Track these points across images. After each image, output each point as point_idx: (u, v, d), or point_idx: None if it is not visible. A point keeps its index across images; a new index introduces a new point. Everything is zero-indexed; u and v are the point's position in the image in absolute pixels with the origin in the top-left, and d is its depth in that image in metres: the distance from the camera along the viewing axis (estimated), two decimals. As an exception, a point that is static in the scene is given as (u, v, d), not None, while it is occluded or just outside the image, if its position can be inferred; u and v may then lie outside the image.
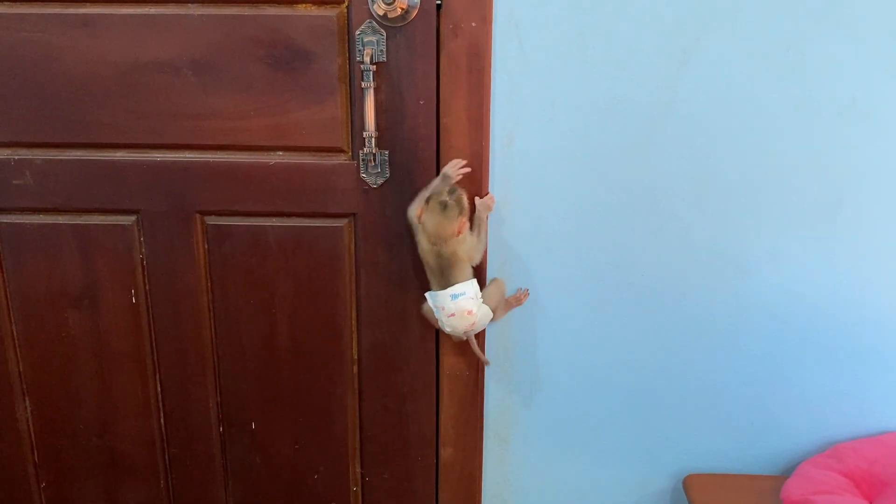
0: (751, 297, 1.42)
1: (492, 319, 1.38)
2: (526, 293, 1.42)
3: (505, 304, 1.41)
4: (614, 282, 1.42)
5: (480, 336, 1.44)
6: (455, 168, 1.30)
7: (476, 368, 1.47)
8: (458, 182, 1.30)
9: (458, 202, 1.27)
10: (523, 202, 1.37)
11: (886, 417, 1.48)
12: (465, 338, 1.37)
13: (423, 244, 1.31)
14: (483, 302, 1.34)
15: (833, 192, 1.34)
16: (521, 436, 1.55)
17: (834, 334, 1.44)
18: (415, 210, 1.32)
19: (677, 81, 1.29)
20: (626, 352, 1.47)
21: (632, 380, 1.49)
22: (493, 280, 1.40)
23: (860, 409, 1.48)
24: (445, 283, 1.31)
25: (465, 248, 1.31)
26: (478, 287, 1.34)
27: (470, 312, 1.31)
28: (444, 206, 1.26)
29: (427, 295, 1.35)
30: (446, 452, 1.55)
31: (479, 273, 1.39)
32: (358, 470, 1.59)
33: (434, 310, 1.34)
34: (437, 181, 1.31)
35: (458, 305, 1.30)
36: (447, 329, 1.34)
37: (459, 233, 1.28)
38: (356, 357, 1.50)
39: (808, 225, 1.36)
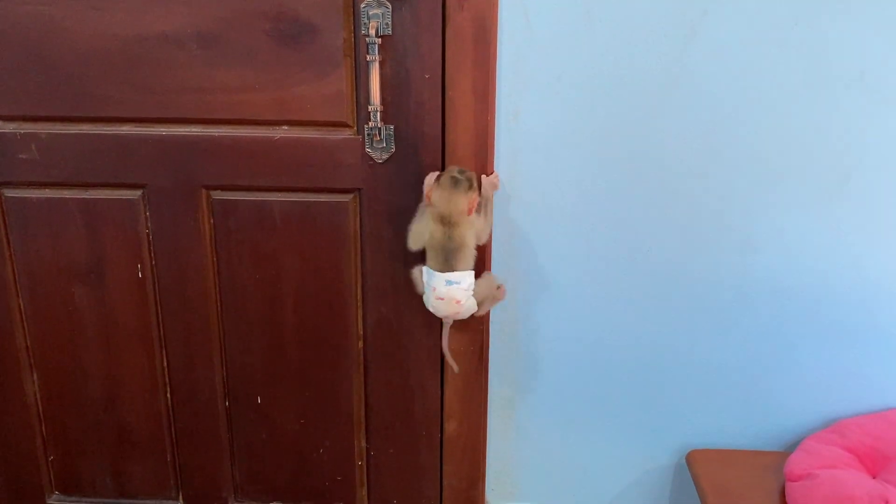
0: (756, 273, 1.42)
1: (478, 312, 1.38)
2: (503, 290, 1.42)
3: (491, 299, 1.41)
4: (619, 257, 1.42)
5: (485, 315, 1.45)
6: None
7: (480, 344, 1.47)
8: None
9: (469, 179, 1.27)
10: (529, 177, 1.37)
11: (891, 394, 1.48)
12: (445, 321, 1.39)
13: (431, 227, 1.29)
14: (473, 294, 1.34)
15: (840, 167, 1.33)
16: (525, 410, 1.56)
17: (839, 311, 1.44)
18: (419, 226, 1.32)
19: (684, 56, 1.28)
20: (630, 327, 1.47)
21: (636, 355, 1.49)
22: (486, 274, 1.39)
23: (865, 385, 1.49)
24: (447, 267, 1.30)
25: (474, 231, 1.31)
26: (473, 280, 1.33)
27: (458, 302, 1.32)
28: (455, 182, 1.26)
29: (424, 269, 1.34)
30: (451, 427, 1.56)
31: (484, 249, 1.39)
32: (363, 444, 1.60)
33: (425, 286, 1.34)
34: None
35: (449, 292, 1.31)
36: (429, 307, 1.35)
37: (470, 211, 1.27)
38: (361, 332, 1.50)
39: (814, 201, 1.36)
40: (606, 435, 1.57)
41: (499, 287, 1.41)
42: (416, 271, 1.38)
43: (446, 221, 1.28)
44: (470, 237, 1.30)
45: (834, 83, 1.28)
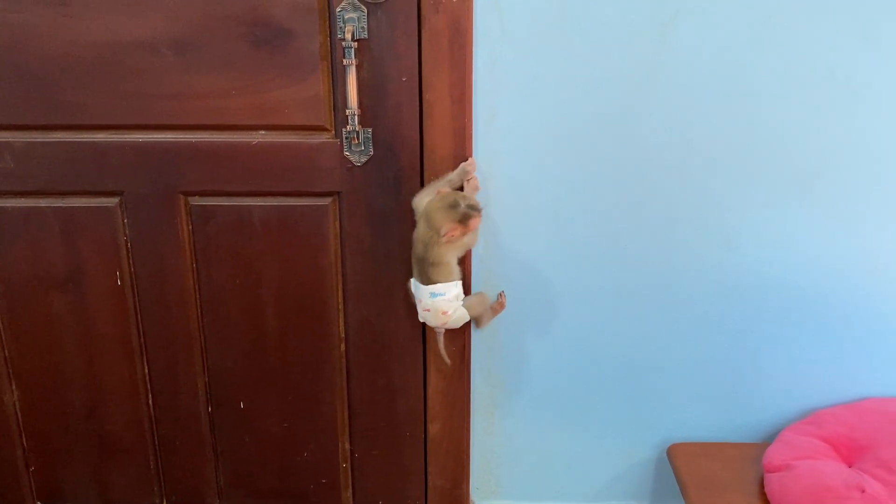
0: (732, 269, 1.44)
1: (479, 326, 1.42)
2: (503, 296, 1.43)
3: (490, 312, 1.43)
4: (599, 255, 1.43)
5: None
6: (473, 165, 1.32)
7: (462, 344, 1.48)
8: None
9: (466, 213, 1.25)
10: (507, 178, 1.38)
11: (865, 384, 1.51)
12: (438, 330, 1.40)
13: (419, 230, 1.30)
14: (463, 304, 1.35)
15: (812, 163, 1.35)
16: (507, 409, 1.57)
17: (815, 304, 1.46)
18: (423, 197, 1.32)
19: (659, 54, 1.29)
20: (610, 324, 1.48)
21: (617, 352, 1.51)
22: (478, 293, 1.41)
23: (839, 376, 1.51)
24: (424, 280, 1.31)
25: (455, 250, 1.31)
26: (461, 289, 1.34)
27: (445, 313, 1.33)
28: (453, 205, 1.26)
29: (412, 281, 1.36)
30: (434, 427, 1.56)
31: (466, 251, 1.39)
32: (347, 447, 1.60)
33: (415, 298, 1.36)
34: (453, 174, 1.32)
35: (434, 304, 1.32)
36: (420, 318, 1.36)
37: (448, 235, 1.26)
38: (343, 335, 1.50)
39: (788, 197, 1.38)
40: (588, 431, 1.58)
41: (500, 294, 1.43)
42: (410, 284, 1.38)
43: (427, 231, 1.28)
44: (449, 255, 1.31)
45: (805, 80, 1.30)
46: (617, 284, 1.45)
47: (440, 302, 1.32)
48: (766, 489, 1.36)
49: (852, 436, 1.40)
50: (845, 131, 1.33)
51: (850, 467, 1.36)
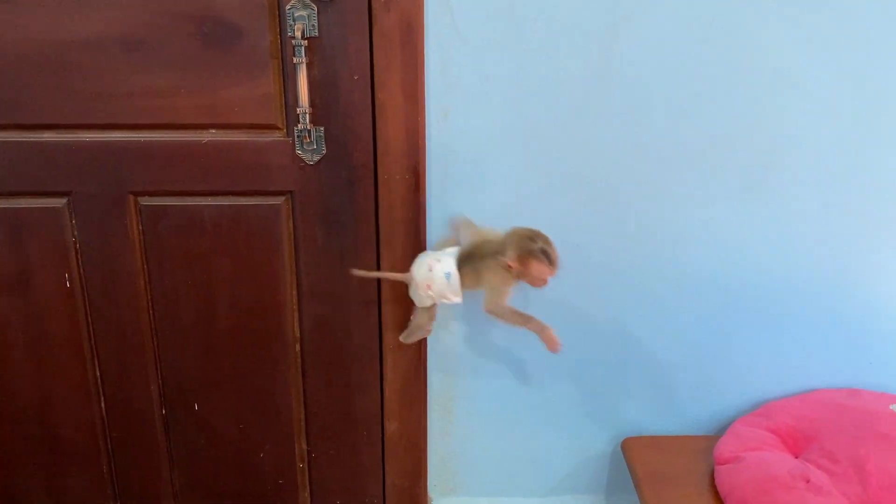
0: (684, 264, 1.46)
1: (406, 339, 1.45)
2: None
3: (422, 330, 1.43)
4: (552, 253, 1.44)
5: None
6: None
7: (419, 342, 1.48)
8: None
9: (532, 251, 1.26)
10: (461, 176, 1.38)
11: (813, 375, 1.55)
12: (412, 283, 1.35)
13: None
14: (427, 302, 1.34)
15: (759, 160, 1.38)
16: (464, 406, 1.57)
17: (763, 298, 1.49)
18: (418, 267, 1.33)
19: (609, 54, 1.30)
20: (564, 321, 1.49)
21: (570, 348, 1.52)
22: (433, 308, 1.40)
23: (788, 368, 1.54)
24: (460, 265, 1.30)
25: (499, 289, 1.31)
26: (451, 301, 1.32)
27: (428, 287, 1.30)
28: (531, 238, 1.28)
29: (450, 251, 1.33)
30: (391, 426, 1.56)
31: (419, 248, 1.40)
32: (304, 447, 1.60)
33: (435, 249, 1.35)
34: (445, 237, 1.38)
35: (437, 279, 1.29)
36: (415, 262, 1.33)
37: (505, 262, 1.27)
38: (298, 335, 1.50)
39: (737, 193, 1.40)
40: (544, 426, 1.60)
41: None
42: (459, 221, 1.39)
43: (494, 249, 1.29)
44: (492, 285, 1.30)
45: (751, 78, 1.32)
46: (570, 281, 1.46)
47: (440, 282, 1.29)
48: (716, 481, 1.39)
49: (800, 427, 1.43)
50: (791, 130, 1.36)
51: (796, 458, 1.39)
